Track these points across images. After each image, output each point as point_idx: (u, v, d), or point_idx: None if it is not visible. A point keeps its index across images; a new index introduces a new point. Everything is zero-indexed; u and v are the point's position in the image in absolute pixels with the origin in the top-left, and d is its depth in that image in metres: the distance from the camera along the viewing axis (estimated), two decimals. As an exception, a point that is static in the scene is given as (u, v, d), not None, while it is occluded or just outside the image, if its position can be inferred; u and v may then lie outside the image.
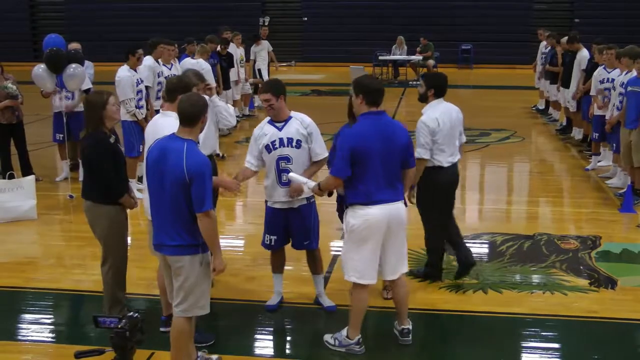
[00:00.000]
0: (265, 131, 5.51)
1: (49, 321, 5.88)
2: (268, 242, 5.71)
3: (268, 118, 5.57)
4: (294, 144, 5.44)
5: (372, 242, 4.85)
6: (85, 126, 5.37)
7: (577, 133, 12.64)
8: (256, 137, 5.54)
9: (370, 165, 4.77)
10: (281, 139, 5.44)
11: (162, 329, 5.32)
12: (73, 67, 9.24)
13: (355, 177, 4.79)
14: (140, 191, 6.23)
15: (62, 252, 7.51)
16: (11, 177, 8.50)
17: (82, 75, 9.44)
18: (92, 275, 6.72)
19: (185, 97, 4.53)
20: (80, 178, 9.81)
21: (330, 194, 5.29)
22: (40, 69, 9.22)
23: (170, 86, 5.32)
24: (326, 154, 5.57)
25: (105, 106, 5.21)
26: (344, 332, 5.14)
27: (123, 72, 9.00)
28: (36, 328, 5.70)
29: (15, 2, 27.52)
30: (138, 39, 11.01)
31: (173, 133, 4.47)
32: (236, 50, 14.24)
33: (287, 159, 5.44)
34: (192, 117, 4.38)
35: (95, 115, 5.24)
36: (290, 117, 5.51)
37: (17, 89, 9.49)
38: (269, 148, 5.46)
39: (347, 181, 4.84)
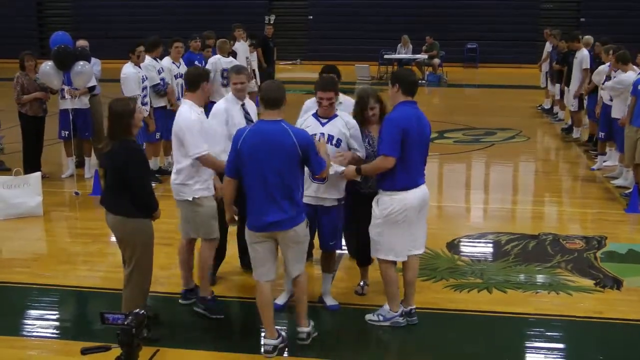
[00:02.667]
0: (308, 123, 5.54)
1: (54, 317, 5.91)
2: None
3: (313, 111, 5.60)
4: (334, 142, 5.46)
5: (407, 223, 5.24)
6: (109, 135, 5.03)
7: (576, 132, 12.64)
8: (299, 126, 5.55)
9: (413, 148, 5.14)
10: (322, 134, 5.45)
11: (181, 301, 5.77)
12: (81, 65, 9.27)
13: (399, 160, 5.09)
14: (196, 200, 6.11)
15: (68, 249, 7.54)
16: (17, 173, 8.53)
17: (90, 72, 9.48)
18: (98, 272, 6.76)
19: (268, 84, 4.99)
20: (87, 175, 9.92)
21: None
22: (47, 66, 9.25)
23: (191, 77, 5.61)
24: (364, 153, 5.58)
25: (133, 114, 4.98)
26: (386, 307, 5.45)
27: (128, 69, 9.06)
28: (42, 324, 5.72)
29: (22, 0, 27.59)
30: (144, 36, 11.01)
31: (261, 119, 4.87)
32: (240, 46, 14.12)
33: None
34: (277, 101, 4.80)
35: (123, 124, 4.95)
36: (335, 115, 5.52)
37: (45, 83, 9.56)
38: None
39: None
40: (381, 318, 5.47)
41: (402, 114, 5.17)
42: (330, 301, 5.86)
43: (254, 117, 6.06)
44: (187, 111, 5.45)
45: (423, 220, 5.42)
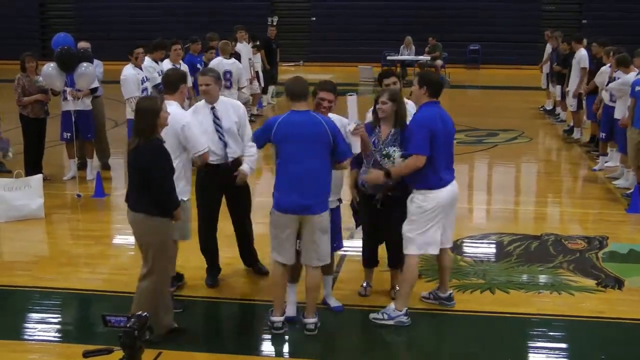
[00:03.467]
0: None
1: (56, 320, 5.90)
2: None
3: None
4: None
5: (439, 219, 5.45)
6: (136, 134, 4.98)
7: (576, 133, 12.64)
8: None
9: (440, 146, 5.35)
10: None
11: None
12: (84, 66, 9.29)
13: (428, 160, 5.29)
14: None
15: (70, 251, 7.54)
16: (18, 175, 8.54)
17: (93, 74, 9.50)
18: (100, 274, 6.76)
19: (292, 80, 5.33)
20: (89, 177, 9.92)
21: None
22: (50, 67, 9.25)
23: (171, 79, 5.71)
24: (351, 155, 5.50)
25: (159, 112, 4.95)
26: (392, 306, 5.54)
27: (128, 70, 9.06)
28: (44, 327, 5.71)
29: (24, 1, 27.60)
30: (146, 38, 11.05)
31: (291, 110, 5.17)
32: (242, 47, 14.11)
33: None
34: (303, 93, 5.20)
35: (150, 123, 4.91)
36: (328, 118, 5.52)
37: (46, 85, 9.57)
38: None
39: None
40: (386, 317, 5.52)
41: (427, 114, 5.39)
42: (333, 302, 5.85)
43: (228, 123, 5.96)
44: (181, 111, 5.56)
45: (453, 215, 5.68)
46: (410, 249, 5.49)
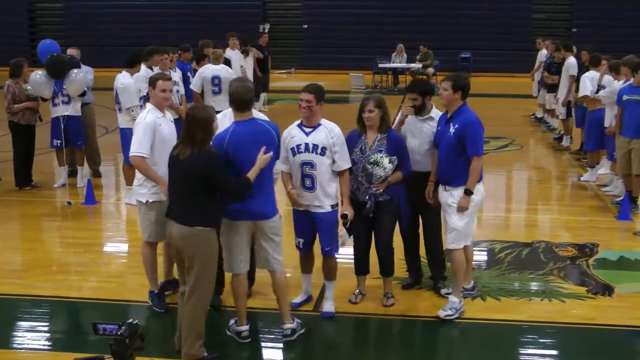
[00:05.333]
0: (292, 134, 5.58)
1: (46, 329, 5.87)
2: (297, 245, 5.83)
3: (298, 121, 5.64)
4: (318, 150, 5.50)
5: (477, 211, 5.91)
6: (189, 142, 4.89)
7: (566, 141, 12.70)
8: (284, 139, 5.57)
9: None
10: (307, 144, 5.51)
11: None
12: (75, 73, 9.26)
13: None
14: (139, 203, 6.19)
15: (60, 259, 7.50)
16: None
17: (83, 80, 9.47)
18: (90, 282, 6.73)
19: (237, 87, 5.25)
20: (79, 185, 9.87)
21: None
22: (38, 74, 9.22)
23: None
24: (348, 166, 5.62)
25: (214, 120, 4.99)
26: (454, 299, 5.76)
27: (126, 79, 8.79)
28: (33, 336, 5.68)
29: (13, 6, 27.52)
30: (137, 45, 11.02)
31: (237, 121, 5.18)
32: (234, 55, 14.08)
33: (310, 165, 5.51)
34: (249, 102, 5.25)
35: (206, 131, 4.89)
36: (319, 125, 5.57)
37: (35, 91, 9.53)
38: (293, 151, 5.54)
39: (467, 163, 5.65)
40: (454, 311, 5.73)
41: (476, 116, 5.71)
42: (327, 307, 5.83)
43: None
44: (144, 113, 5.77)
45: None
46: (461, 242, 5.72)
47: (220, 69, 10.88)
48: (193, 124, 4.92)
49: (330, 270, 5.85)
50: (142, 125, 5.66)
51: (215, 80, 10.67)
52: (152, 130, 5.63)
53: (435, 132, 5.93)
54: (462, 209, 5.66)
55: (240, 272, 5.30)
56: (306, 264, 6.00)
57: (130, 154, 5.65)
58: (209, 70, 10.82)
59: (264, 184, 5.17)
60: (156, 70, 9.79)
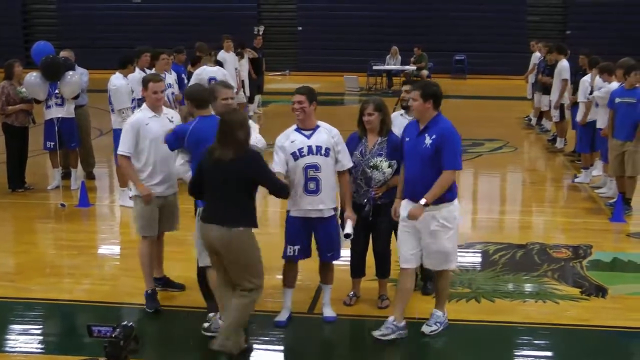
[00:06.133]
0: (292, 138, 5.52)
1: (40, 332, 5.82)
2: (291, 253, 5.61)
3: (294, 126, 5.61)
4: (322, 152, 5.48)
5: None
6: (231, 146, 4.89)
7: (560, 143, 12.73)
8: (281, 146, 5.52)
9: None
10: (310, 147, 5.47)
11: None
12: (70, 75, 9.24)
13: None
14: (131, 198, 6.26)
15: (54, 261, 7.48)
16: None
17: (78, 83, 9.45)
18: (84, 285, 6.71)
19: (193, 89, 5.73)
20: (73, 187, 9.85)
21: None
22: (33, 76, 9.19)
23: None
24: (351, 165, 5.60)
25: (248, 121, 5.10)
26: (438, 312, 5.59)
27: (119, 80, 8.79)
28: (27, 339, 5.64)
29: (7, 8, 27.45)
30: (131, 47, 10.97)
31: (199, 116, 5.49)
32: (229, 57, 14.06)
33: (315, 167, 5.45)
34: (206, 99, 5.56)
35: (246, 131, 4.94)
36: (318, 126, 5.55)
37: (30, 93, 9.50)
38: (295, 155, 5.46)
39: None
40: (439, 326, 5.57)
41: (453, 127, 5.32)
42: (328, 312, 5.80)
43: (252, 140, 5.71)
44: (136, 113, 6.09)
45: None
46: (452, 264, 5.54)
47: (216, 71, 10.97)
48: (231, 126, 4.91)
49: (329, 273, 5.79)
50: (125, 125, 6.04)
51: (212, 82, 10.66)
52: (135, 129, 5.84)
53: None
54: (411, 217, 5.23)
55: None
56: (290, 277, 5.73)
57: (117, 153, 5.98)
58: (205, 72, 10.85)
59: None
60: (149, 72, 9.82)
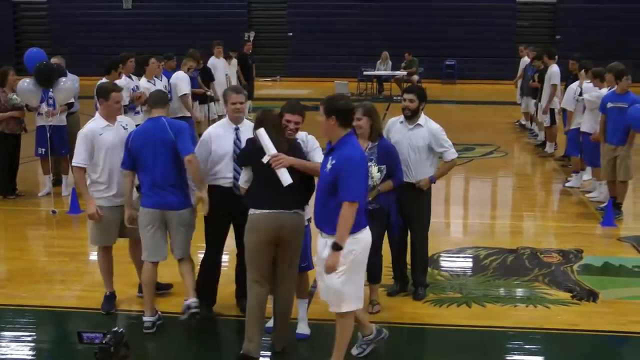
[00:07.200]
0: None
1: (30, 339, 5.80)
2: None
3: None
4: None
5: (364, 263, 4.85)
6: (284, 139, 5.09)
7: (549, 147, 12.80)
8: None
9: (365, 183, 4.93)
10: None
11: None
12: (63, 81, 9.23)
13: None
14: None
15: (45, 268, 7.45)
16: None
17: (71, 88, 9.43)
18: (75, 291, 6.69)
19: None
20: (64, 193, 9.83)
21: None
22: (26, 83, 9.17)
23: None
24: (321, 160, 5.25)
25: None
26: (360, 335, 5.21)
27: None
28: (17, 346, 5.61)
29: (-2, 15, 27.44)
30: (122, 53, 10.94)
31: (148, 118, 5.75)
32: (219, 63, 14.06)
33: None
34: (161, 100, 5.78)
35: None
36: (296, 138, 5.36)
37: (22, 100, 9.47)
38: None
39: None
40: (365, 346, 5.22)
41: (359, 151, 4.72)
42: (301, 329, 5.59)
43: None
44: (88, 123, 6.03)
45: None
46: (345, 306, 4.74)
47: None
48: (278, 121, 5.11)
49: (303, 286, 5.60)
50: (79, 136, 5.94)
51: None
52: (89, 139, 5.84)
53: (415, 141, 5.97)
54: (329, 269, 4.61)
55: (155, 261, 5.67)
56: (303, 287, 5.58)
57: (72, 164, 5.98)
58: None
59: (179, 176, 5.56)
60: (136, 79, 9.81)
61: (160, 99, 5.81)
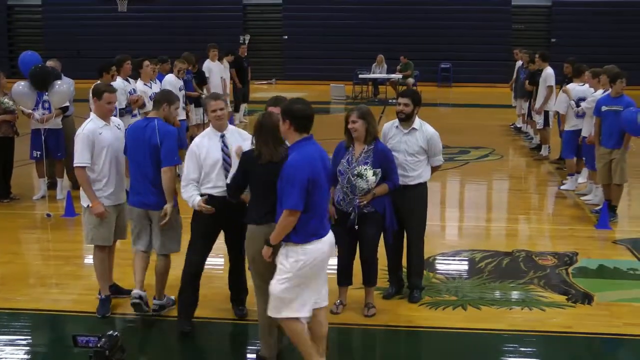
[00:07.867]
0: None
1: (25, 342, 5.79)
2: None
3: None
4: None
5: (316, 275, 4.76)
6: (280, 148, 4.87)
7: (544, 150, 12.83)
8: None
9: (321, 191, 4.66)
10: None
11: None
12: (59, 84, 9.21)
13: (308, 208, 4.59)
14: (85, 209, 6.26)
15: (40, 271, 7.43)
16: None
17: (67, 91, 9.41)
18: (70, 295, 6.67)
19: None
20: (59, 197, 9.81)
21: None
22: (21, 86, 9.14)
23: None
24: None
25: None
26: None
27: None
28: (12, 350, 5.59)
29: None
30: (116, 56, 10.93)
31: (150, 118, 5.82)
32: (214, 66, 14.08)
33: None
34: (158, 100, 5.91)
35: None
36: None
37: (14, 104, 9.45)
38: None
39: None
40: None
41: (305, 159, 4.57)
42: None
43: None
44: (84, 123, 6.01)
45: (326, 269, 4.94)
46: (284, 312, 4.69)
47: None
48: (274, 129, 4.88)
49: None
50: (79, 136, 5.92)
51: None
52: (90, 140, 5.87)
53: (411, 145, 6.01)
54: (264, 256, 4.73)
55: (142, 250, 5.89)
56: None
57: (74, 165, 5.94)
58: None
59: (142, 179, 5.73)
60: (132, 82, 9.81)
61: (160, 99, 5.92)
